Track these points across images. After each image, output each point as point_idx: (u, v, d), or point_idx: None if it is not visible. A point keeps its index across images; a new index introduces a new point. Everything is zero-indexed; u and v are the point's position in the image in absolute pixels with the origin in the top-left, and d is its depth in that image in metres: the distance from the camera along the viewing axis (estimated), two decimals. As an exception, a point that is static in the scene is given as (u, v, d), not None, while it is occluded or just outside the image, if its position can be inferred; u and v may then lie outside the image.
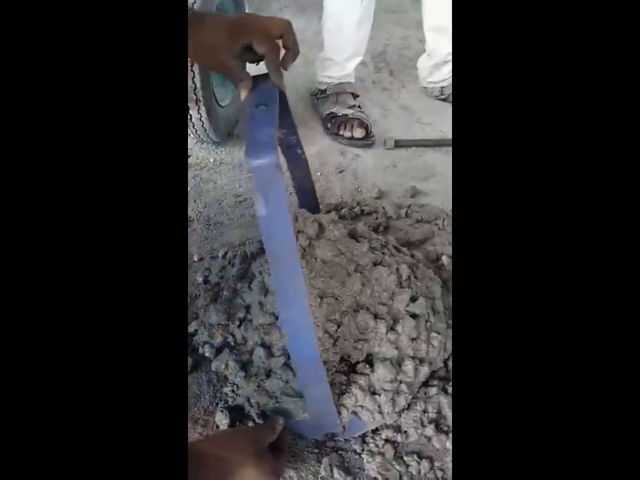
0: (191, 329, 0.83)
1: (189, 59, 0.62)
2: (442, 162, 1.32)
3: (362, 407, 0.67)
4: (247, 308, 0.76)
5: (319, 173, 1.25)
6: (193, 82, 1.11)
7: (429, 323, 0.76)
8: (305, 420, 0.68)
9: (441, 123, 1.48)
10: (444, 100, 1.56)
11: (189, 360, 0.78)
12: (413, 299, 0.75)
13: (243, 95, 0.61)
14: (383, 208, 1.13)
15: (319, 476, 0.68)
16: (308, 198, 0.88)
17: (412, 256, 0.91)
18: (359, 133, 1.34)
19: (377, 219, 1.11)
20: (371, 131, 1.36)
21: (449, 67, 1.51)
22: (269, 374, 0.70)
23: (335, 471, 0.68)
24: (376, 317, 0.71)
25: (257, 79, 0.62)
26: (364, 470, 0.69)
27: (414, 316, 0.74)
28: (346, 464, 0.70)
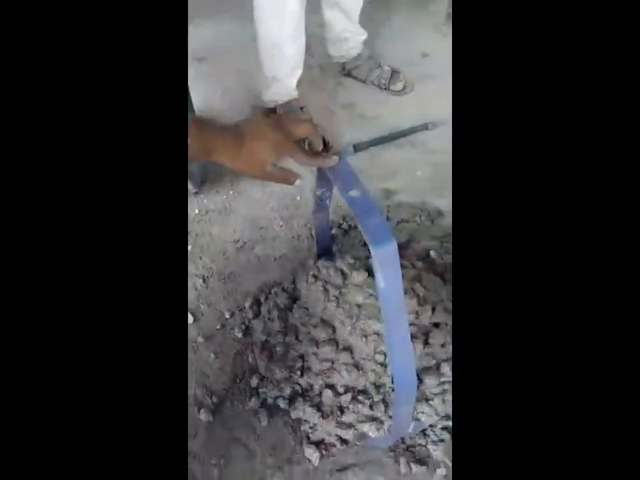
0: (253, 383, 0.94)
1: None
2: (399, 157, 1.45)
3: (422, 412, 0.84)
4: (302, 357, 0.89)
5: (298, 198, 1.35)
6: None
7: (447, 326, 0.92)
8: (381, 436, 0.83)
9: (386, 115, 1.59)
10: (348, 75, 1.70)
11: (264, 412, 0.91)
12: (432, 310, 0.91)
13: (297, 182, 0.72)
14: (368, 219, 1.26)
15: (401, 474, 0.85)
16: (324, 241, 1.00)
17: (413, 266, 1.06)
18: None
19: (365, 230, 1.23)
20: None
21: (348, 44, 1.63)
22: (342, 410, 0.84)
23: (412, 466, 0.85)
24: (412, 338, 0.86)
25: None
26: (432, 457, 0.87)
27: (437, 325, 0.90)
28: (417, 457, 0.87)
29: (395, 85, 1.66)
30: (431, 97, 1.64)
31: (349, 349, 0.85)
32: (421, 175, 1.40)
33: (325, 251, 1.03)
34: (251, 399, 0.93)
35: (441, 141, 1.49)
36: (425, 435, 0.88)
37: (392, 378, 0.74)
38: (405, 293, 0.89)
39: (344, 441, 0.86)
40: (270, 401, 0.92)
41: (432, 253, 1.14)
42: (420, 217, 1.26)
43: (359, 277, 0.88)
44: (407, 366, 0.71)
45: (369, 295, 0.87)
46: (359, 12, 1.58)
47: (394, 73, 1.66)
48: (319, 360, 0.86)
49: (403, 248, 1.18)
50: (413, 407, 0.79)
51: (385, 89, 1.67)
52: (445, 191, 1.35)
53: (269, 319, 0.96)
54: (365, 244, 1.16)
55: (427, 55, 1.86)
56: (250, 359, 0.98)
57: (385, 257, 0.62)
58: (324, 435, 0.86)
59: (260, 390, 0.93)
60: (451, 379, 0.87)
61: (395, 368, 0.71)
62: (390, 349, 0.68)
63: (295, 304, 0.96)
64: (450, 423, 0.88)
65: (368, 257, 0.97)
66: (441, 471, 0.84)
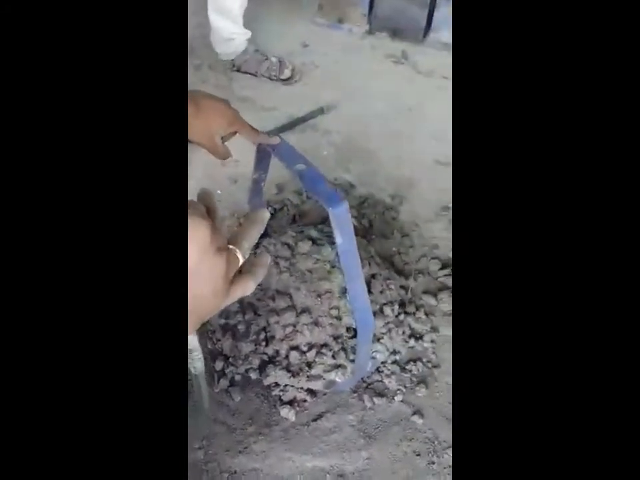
0: (218, 366, 0.99)
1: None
2: (302, 140, 1.57)
3: (376, 351, 0.97)
4: (264, 329, 0.96)
5: (219, 191, 1.39)
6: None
7: (382, 276, 1.06)
8: (346, 380, 0.94)
9: (281, 103, 1.69)
10: (238, 71, 1.79)
11: (235, 389, 0.97)
12: (368, 265, 1.04)
13: (229, 159, 0.81)
14: (289, 199, 1.35)
15: (367, 408, 0.97)
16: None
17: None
18: None
19: (288, 211, 1.33)
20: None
21: (234, 42, 1.73)
22: (309, 365, 0.93)
23: (375, 399, 0.98)
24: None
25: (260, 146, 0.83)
26: (388, 388, 1.00)
27: (374, 276, 1.04)
28: (377, 391, 1.00)
29: (284, 74, 1.76)
30: (319, 84, 1.78)
31: (307, 310, 0.94)
32: (326, 154, 1.53)
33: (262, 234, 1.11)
34: (219, 381, 0.98)
35: (336, 122, 1.64)
36: (379, 371, 1.01)
37: (354, 318, 0.86)
38: (333, 267, 1.02)
39: (313, 394, 0.96)
40: (238, 377, 0.98)
41: (352, 220, 1.28)
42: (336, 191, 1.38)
43: (304, 246, 0.98)
44: (365, 305, 0.83)
45: (316, 260, 0.97)
46: (242, 15, 1.66)
47: (281, 62, 1.76)
48: (281, 327, 0.94)
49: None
50: (370, 346, 0.91)
51: (276, 79, 1.77)
52: (349, 165, 1.50)
53: (222, 302, 1.01)
54: (292, 222, 1.26)
55: (307, 45, 2.00)
56: (209, 345, 1.02)
57: (340, 215, 0.72)
58: (294, 393, 0.95)
59: (226, 370, 0.99)
60: (392, 319, 1.02)
61: (355, 308, 0.82)
62: (350, 293, 0.79)
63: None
64: (397, 357, 1.03)
65: (302, 231, 1.07)
66: (398, 397, 0.99)
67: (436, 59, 1.92)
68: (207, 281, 0.38)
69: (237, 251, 0.42)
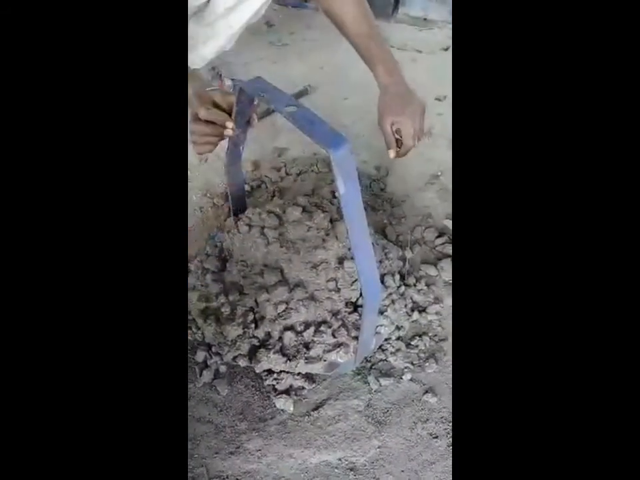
0: (199, 358, 0.87)
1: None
2: (280, 119, 1.46)
3: (380, 325, 0.86)
4: (252, 309, 0.84)
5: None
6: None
7: (379, 245, 0.96)
8: (349, 360, 0.83)
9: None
10: None
11: (221, 382, 0.84)
12: (362, 234, 0.94)
13: None
14: (267, 176, 1.24)
15: (374, 390, 0.86)
16: (239, 197, 0.95)
17: (324, 209, 1.07)
18: None
19: (267, 188, 1.21)
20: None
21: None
22: (307, 346, 0.82)
23: (381, 380, 0.87)
24: (352, 258, 0.88)
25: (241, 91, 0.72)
26: (394, 367, 0.90)
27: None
28: (382, 371, 0.89)
29: None
30: (288, 61, 1.68)
31: (300, 284, 0.83)
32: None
33: (240, 208, 0.99)
34: (201, 374, 0.85)
35: (312, 99, 1.54)
36: (382, 350, 0.91)
37: (360, 283, 0.75)
38: (327, 234, 0.91)
39: (311, 380, 0.85)
40: (223, 368, 0.86)
41: (337, 194, 1.18)
42: (316, 165, 1.28)
43: (294, 212, 0.86)
44: (372, 267, 0.72)
45: (308, 228, 0.85)
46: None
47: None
48: (272, 305, 0.82)
49: (314, 195, 1.20)
50: (376, 318, 0.81)
51: None
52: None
53: (202, 286, 0.89)
54: (272, 200, 1.15)
55: (273, 25, 1.90)
56: (189, 337, 0.89)
57: (342, 158, 0.62)
58: (290, 381, 0.83)
59: (209, 362, 0.86)
60: (395, 289, 0.92)
61: (361, 270, 0.71)
62: (356, 253, 0.68)
63: (226, 263, 0.90)
64: (401, 333, 0.93)
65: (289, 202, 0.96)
66: (406, 376, 0.88)
67: (407, 33, 1.85)
68: None
69: None
